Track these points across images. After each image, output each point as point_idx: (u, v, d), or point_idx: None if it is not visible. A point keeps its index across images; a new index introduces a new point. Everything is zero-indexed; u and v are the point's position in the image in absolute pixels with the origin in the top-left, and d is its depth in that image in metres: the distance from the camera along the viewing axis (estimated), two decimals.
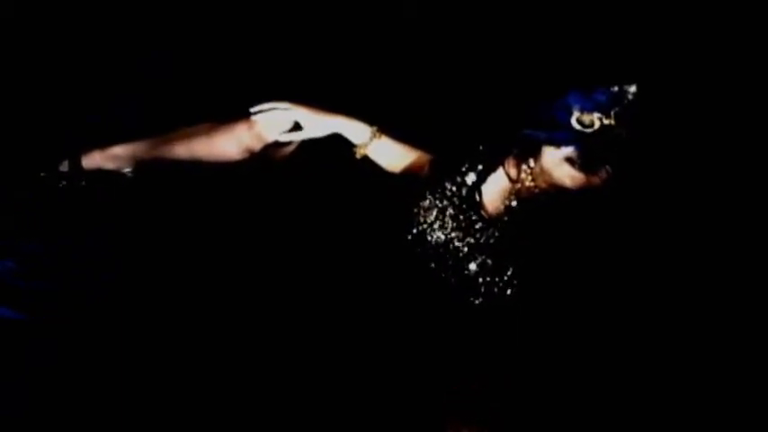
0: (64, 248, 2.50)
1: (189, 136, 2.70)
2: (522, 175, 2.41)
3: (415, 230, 2.48)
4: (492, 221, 2.42)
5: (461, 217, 2.44)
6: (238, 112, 2.68)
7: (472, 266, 2.40)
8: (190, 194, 2.70)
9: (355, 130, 2.66)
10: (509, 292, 2.37)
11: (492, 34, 3.12)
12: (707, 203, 2.62)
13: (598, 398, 2.36)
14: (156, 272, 2.54)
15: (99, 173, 2.64)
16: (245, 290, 2.56)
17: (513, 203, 2.42)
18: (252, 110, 2.66)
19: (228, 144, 2.68)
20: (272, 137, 2.69)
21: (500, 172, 2.46)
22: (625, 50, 2.79)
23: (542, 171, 2.36)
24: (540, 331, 2.37)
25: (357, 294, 2.53)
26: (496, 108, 2.86)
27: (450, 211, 2.46)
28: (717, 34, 2.84)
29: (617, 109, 2.25)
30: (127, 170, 2.69)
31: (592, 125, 2.25)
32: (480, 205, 2.45)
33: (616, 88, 2.28)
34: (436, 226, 2.46)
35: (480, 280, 2.39)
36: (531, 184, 2.40)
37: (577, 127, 2.25)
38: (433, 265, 2.44)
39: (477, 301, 2.40)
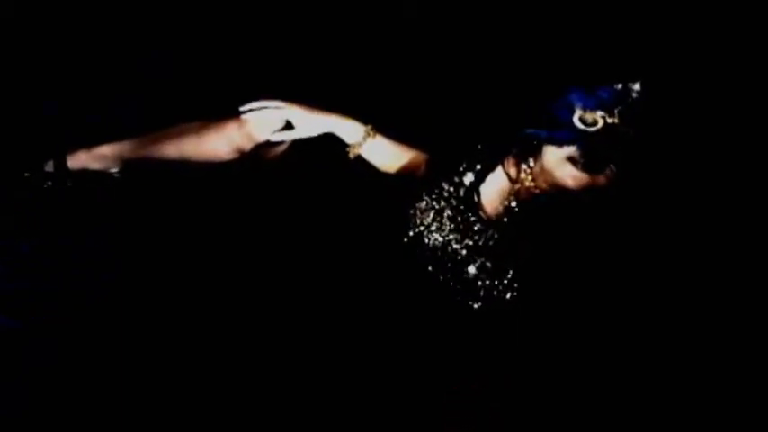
0: (52, 249, 2.49)
1: (178, 135, 2.66)
2: (522, 175, 2.38)
3: (411, 233, 2.45)
4: (491, 223, 2.39)
5: (459, 218, 2.41)
6: (228, 111, 2.65)
7: (471, 269, 2.37)
8: (179, 195, 2.67)
9: (348, 130, 2.62)
10: (509, 295, 2.34)
11: (492, 32, 3.09)
12: (713, 204, 2.59)
13: (598, 398, 2.34)
14: (145, 272, 2.53)
15: (85, 173, 2.61)
16: (237, 293, 2.54)
17: (513, 204, 2.39)
18: (242, 108, 2.64)
19: (218, 143, 2.65)
20: (262, 136, 2.66)
21: (499, 172, 2.43)
22: (629, 47, 2.76)
23: (543, 171, 2.33)
24: (540, 334, 2.34)
25: (353, 298, 2.50)
26: (495, 106, 2.83)
27: (447, 212, 2.43)
28: (723, 30, 2.81)
29: (621, 107, 2.22)
30: (114, 170, 2.65)
31: (595, 124, 2.21)
32: (479, 206, 2.42)
33: (620, 86, 2.24)
34: (433, 228, 2.42)
35: (479, 283, 2.36)
36: (532, 184, 2.37)
37: (580, 126, 2.22)
38: (430, 268, 2.41)
39: (476, 305, 2.37)
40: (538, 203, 2.36)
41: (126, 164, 2.64)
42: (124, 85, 3.01)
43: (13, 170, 2.57)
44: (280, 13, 3.17)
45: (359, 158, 2.64)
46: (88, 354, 2.38)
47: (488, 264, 2.35)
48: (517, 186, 2.38)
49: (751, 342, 2.47)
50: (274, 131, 2.65)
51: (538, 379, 2.34)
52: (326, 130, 2.63)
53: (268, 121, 2.64)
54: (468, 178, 2.45)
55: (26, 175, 2.56)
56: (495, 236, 2.37)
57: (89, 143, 2.63)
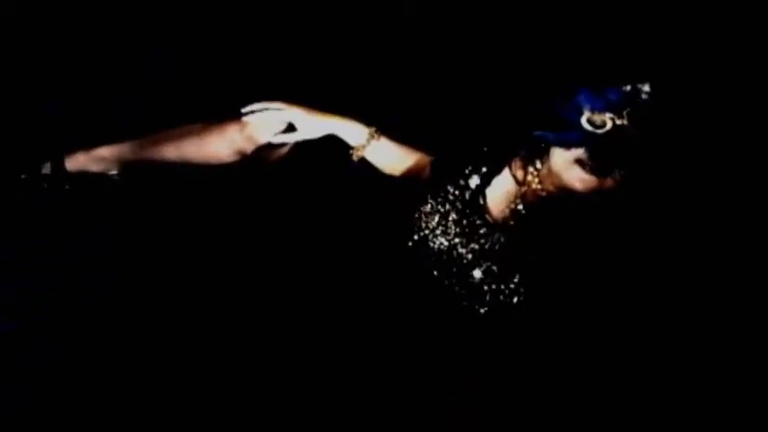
0: (50, 250, 2.50)
1: (178, 137, 2.65)
2: (529, 178, 2.36)
3: (416, 236, 2.43)
4: (497, 226, 2.37)
5: (465, 222, 2.39)
6: (229, 113, 2.64)
7: (477, 273, 2.35)
8: (179, 198, 2.66)
9: (352, 132, 2.61)
10: (515, 300, 2.32)
11: (495, 31, 3.07)
12: (726, 208, 2.57)
13: (598, 399, 2.33)
14: (145, 274, 2.54)
15: (84, 175, 2.60)
16: (238, 295, 2.55)
17: (520, 207, 2.36)
18: (243, 110, 2.62)
19: (219, 146, 2.63)
20: (264, 138, 2.64)
21: (505, 174, 2.41)
22: (638, 47, 2.74)
23: (550, 173, 2.30)
24: (545, 338, 2.33)
25: (356, 302, 2.49)
26: (501, 107, 2.82)
27: (452, 215, 2.41)
28: (735, 30, 2.78)
29: (630, 108, 2.19)
30: (113, 172, 2.63)
31: (603, 125, 2.18)
32: (485, 209, 2.40)
33: (629, 87, 2.22)
34: (438, 231, 2.40)
35: (485, 288, 2.34)
36: (538, 186, 2.35)
37: (588, 127, 2.19)
38: (435, 272, 2.39)
39: (482, 310, 2.34)
40: (545, 206, 2.34)
41: (125, 166, 2.63)
42: (124, 85, 3.00)
43: (10, 172, 2.56)
44: (280, 13, 3.16)
45: (362, 161, 2.62)
46: (88, 354, 2.39)
47: (494, 268, 2.33)
48: (524, 189, 2.36)
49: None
50: (276, 133, 2.64)
51: (538, 379, 2.33)
52: (329, 132, 2.60)
53: (270, 123, 2.62)
54: (474, 181, 2.43)
55: (23, 176, 2.56)
56: (502, 239, 2.35)
57: (87, 144, 2.62)
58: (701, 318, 2.48)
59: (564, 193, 2.30)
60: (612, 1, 2.88)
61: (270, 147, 2.66)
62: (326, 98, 2.65)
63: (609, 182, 2.22)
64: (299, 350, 2.44)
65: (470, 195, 2.41)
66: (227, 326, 2.48)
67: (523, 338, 2.33)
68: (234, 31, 3.13)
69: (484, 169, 2.43)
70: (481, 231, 2.37)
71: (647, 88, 2.21)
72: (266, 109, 2.60)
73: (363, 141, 2.59)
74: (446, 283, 2.37)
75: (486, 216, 2.38)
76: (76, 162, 2.60)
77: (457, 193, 2.42)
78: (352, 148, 2.61)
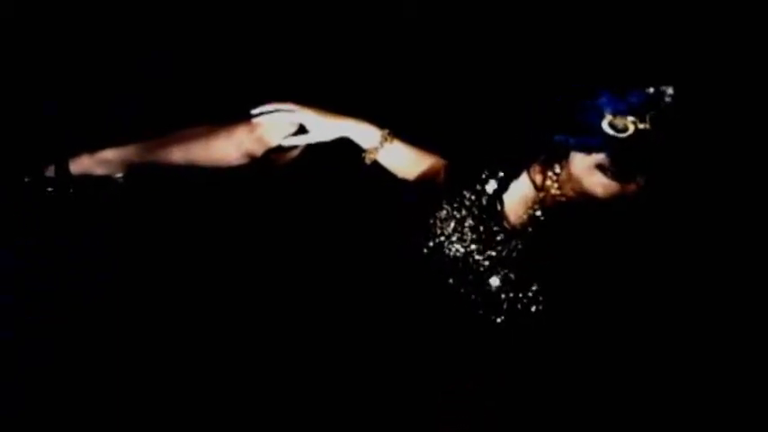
0: (52, 251, 2.51)
1: (185, 139, 2.62)
2: (548, 183, 2.33)
3: (431, 243, 2.39)
4: (515, 233, 2.34)
5: (481, 228, 2.36)
6: (239, 114, 2.61)
7: (494, 281, 2.31)
8: (186, 201, 2.66)
9: (365, 134, 2.57)
10: (533, 309, 2.29)
11: (513, 28, 3.05)
12: (755, 216, 2.52)
13: (596, 399, 2.32)
14: (151, 277, 2.56)
15: (88, 178, 2.58)
16: (245, 301, 2.55)
17: (538, 213, 2.33)
18: (253, 111, 2.59)
19: (228, 148, 2.60)
20: (274, 141, 2.61)
21: (523, 179, 2.38)
22: (661, 48, 2.69)
23: (570, 178, 2.28)
24: (563, 347, 2.31)
25: (367, 310, 2.48)
26: (519, 110, 2.73)
27: (469, 221, 2.37)
28: (762, 31, 2.74)
29: (652, 112, 2.16)
30: (118, 175, 2.61)
31: (625, 129, 2.15)
32: (502, 215, 2.36)
33: (652, 89, 2.18)
34: (454, 238, 2.37)
35: (502, 296, 2.31)
36: (557, 192, 2.32)
37: (609, 131, 2.16)
38: (451, 280, 2.36)
39: (498, 319, 2.31)
40: (564, 212, 2.31)
41: (131, 168, 2.60)
42: (127, 85, 2.99)
43: (13, 175, 2.55)
44: (283, 11, 3.15)
45: (375, 164, 2.59)
46: (87, 354, 2.40)
47: (512, 276, 2.30)
48: (542, 194, 2.34)
49: None
50: (287, 136, 2.61)
51: (533, 379, 2.31)
52: (341, 135, 2.57)
53: (280, 125, 2.60)
54: (491, 186, 2.40)
55: (26, 179, 2.54)
56: (519, 246, 2.32)
57: (91, 146, 2.60)
58: (727, 327, 2.45)
59: (584, 199, 2.27)
60: (635, 1, 2.85)
61: (280, 149, 2.63)
62: (338, 99, 2.63)
63: (630, 188, 2.20)
64: (300, 351, 2.45)
65: (487, 201, 2.38)
66: (231, 329, 2.49)
67: (540, 347, 2.30)
68: (237, 32, 3.12)
69: (501, 174, 2.40)
70: (498, 238, 2.34)
71: (670, 91, 2.18)
72: (277, 110, 2.57)
73: (376, 144, 2.55)
74: (462, 291, 2.34)
75: (504, 222, 2.35)
76: (81, 165, 2.57)
77: (473, 198, 2.39)
78: (364, 150, 2.57)
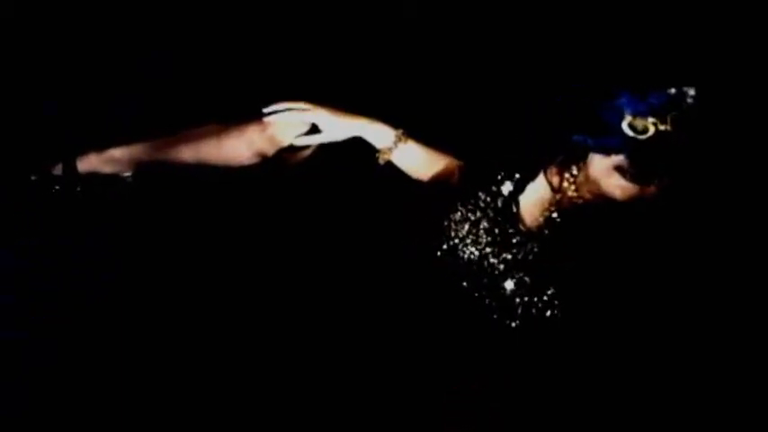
0: (56, 250, 2.50)
1: (195, 138, 2.60)
2: (565, 185, 2.30)
3: (445, 246, 2.37)
4: (530, 235, 2.31)
5: (497, 231, 2.34)
6: (249, 113, 2.60)
7: (508, 285, 2.29)
8: (195, 201, 2.64)
9: (378, 134, 2.55)
10: (549, 313, 2.26)
11: (532, 24, 3.03)
12: None
13: (598, 400, 2.29)
14: (159, 278, 2.55)
15: (95, 177, 2.56)
16: (256, 303, 2.55)
17: (554, 216, 2.31)
18: (265, 110, 2.57)
19: (239, 147, 2.59)
20: (286, 140, 2.60)
21: (540, 181, 2.36)
22: (683, 47, 2.65)
23: (588, 180, 2.25)
24: (576, 351, 2.29)
25: (379, 312, 2.46)
26: (536, 110, 2.66)
27: (484, 224, 2.35)
28: None
29: (674, 113, 2.12)
30: (126, 174, 2.59)
31: (645, 131, 2.12)
32: (518, 218, 2.35)
33: (673, 90, 2.14)
34: (469, 241, 2.35)
35: (517, 300, 2.28)
36: (575, 194, 2.29)
37: (629, 132, 2.13)
38: (465, 283, 2.34)
39: (513, 324, 2.29)
40: (581, 215, 2.28)
41: (139, 167, 2.59)
42: (134, 82, 2.98)
43: (19, 173, 2.54)
44: (290, 9, 3.14)
45: (389, 165, 2.57)
46: (91, 354, 2.40)
47: (527, 279, 2.28)
48: (559, 196, 2.31)
49: None
50: (299, 135, 2.59)
51: (538, 379, 2.29)
52: (355, 135, 2.56)
53: (292, 125, 2.58)
54: (507, 187, 2.38)
55: (33, 178, 2.53)
56: (535, 249, 2.29)
57: (100, 145, 2.58)
58: (755, 337, 2.42)
59: (602, 202, 2.24)
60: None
61: (292, 149, 2.62)
62: (350, 99, 2.61)
63: (650, 190, 2.17)
64: (312, 352, 2.45)
65: (503, 203, 2.36)
66: (241, 330, 2.49)
67: (554, 352, 2.28)
68: (250, 30, 3.11)
69: (517, 175, 2.39)
70: (514, 241, 2.31)
71: (692, 92, 2.14)
72: (289, 109, 2.56)
73: (390, 144, 2.54)
74: (476, 294, 2.32)
75: (519, 225, 2.34)
76: (88, 163, 2.56)
77: (488, 200, 2.37)
78: (378, 151, 2.56)
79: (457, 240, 2.36)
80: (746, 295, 2.41)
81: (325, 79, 3.02)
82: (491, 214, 2.35)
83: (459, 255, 2.35)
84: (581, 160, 2.25)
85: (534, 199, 2.34)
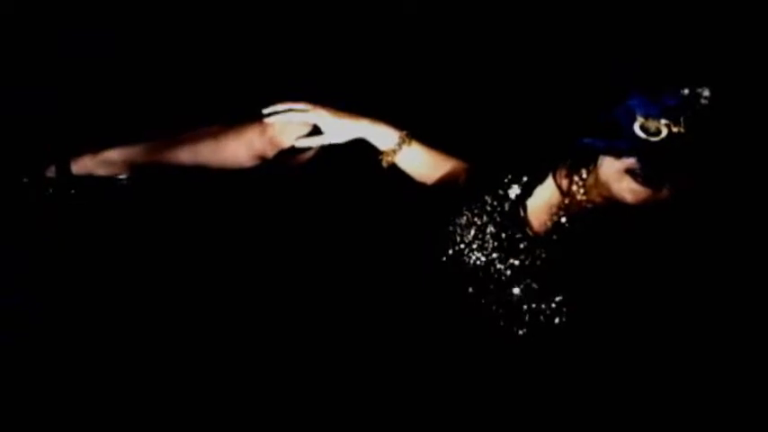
0: (54, 253, 2.52)
1: (193, 140, 2.61)
2: (574, 188, 2.27)
3: (450, 251, 2.35)
4: (538, 241, 2.28)
5: (503, 235, 2.31)
6: (248, 113, 2.59)
7: (516, 291, 2.26)
8: (193, 205, 2.63)
9: (382, 135, 2.54)
10: (557, 321, 2.22)
11: (535, 21, 3.00)
12: None
13: (600, 400, 2.25)
14: (155, 281, 2.55)
15: (90, 179, 2.56)
16: (256, 308, 2.53)
17: (563, 220, 2.28)
18: (265, 111, 2.55)
19: (238, 149, 2.59)
20: (287, 142, 2.60)
21: (548, 184, 2.33)
22: (697, 46, 2.63)
23: (598, 184, 2.21)
24: (585, 359, 2.25)
25: (383, 319, 2.44)
26: (545, 111, 2.76)
27: (490, 228, 2.33)
28: None
29: (687, 115, 2.09)
30: (122, 177, 2.60)
31: (658, 133, 2.09)
32: (525, 222, 2.32)
33: (686, 91, 2.11)
34: (475, 246, 2.33)
35: (525, 307, 2.25)
36: (584, 198, 2.26)
37: (641, 135, 2.10)
38: (471, 290, 2.31)
39: (520, 331, 2.25)
40: (591, 220, 2.25)
41: (135, 169, 2.59)
42: (128, 82, 2.99)
43: (12, 175, 2.53)
44: (298, 10, 3.14)
45: (393, 167, 2.55)
46: (83, 358, 2.40)
47: (535, 286, 2.24)
48: (567, 200, 2.28)
49: None
50: (300, 137, 2.58)
51: (545, 388, 2.26)
52: (357, 136, 2.54)
53: (293, 126, 2.58)
54: (514, 191, 2.36)
55: (25, 180, 2.52)
56: (543, 255, 2.26)
57: (95, 146, 2.58)
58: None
59: (612, 206, 2.20)
60: None
61: (293, 151, 2.62)
62: (353, 99, 2.60)
63: (662, 194, 2.13)
64: (315, 358, 2.43)
65: (510, 207, 2.33)
66: (240, 335, 2.47)
67: (562, 360, 2.25)
68: (250, 30, 3.11)
69: (525, 178, 2.36)
70: (521, 246, 2.28)
71: (706, 93, 2.11)
72: (290, 110, 2.54)
73: (394, 146, 2.52)
74: (482, 301, 2.29)
75: (527, 229, 2.30)
76: (83, 165, 2.56)
77: (495, 204, 2.35)
78: (381, 153, 2.54)
79: (462, 245, 2.33)
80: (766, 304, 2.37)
81: (326, 79, 3.02)
82: (498, 218, 2.32)
83: (464, 260, 2.32)
84: (591, 163, 2.23)
85: (542, 203, 2.31)
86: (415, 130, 2.53)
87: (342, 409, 2.33)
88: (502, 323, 2.26)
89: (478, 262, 2.30)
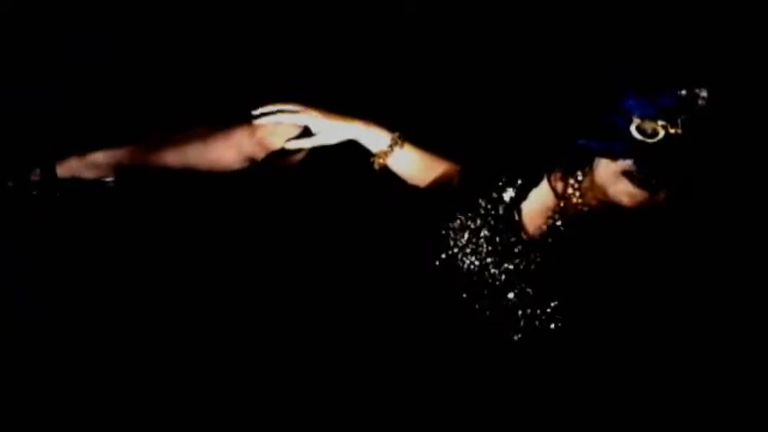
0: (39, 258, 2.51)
1: (181, 141, 2.57)
2: (569, 191, 2.26)
3: (443, 255, 2.34)
4: (533, 244, 2.27)
5: (497, 239, 2.29)
6: (237, 115, 2.56)
7: (510, 296, 2.25)
8: (180, 208, 2.60)
9: (374, 137, 2.51)
10: (552, 326, 2.22)
11: (530, 23, 2.99)
12: None
13: (600, 400, 2.24)
14: (143, 286, 2.53)
15: (76, 182, 2.53)
16: (242, 315, 2.51)
17: (558, 224, 2.27)
18: (254, 112, 2.53)
19: (227, 151, 2.55)
20: (277, 144, 2.56)
21: (543, 187, 2.32)
22: (695, 45, 2.57)
23: (594, 186, 2.20)
24: (582, 366, 2.24)
25: (374, 325, 2.42)
26: (539, 112, 2.74)
27: (484, 232, 2.31)
28: None
29: (685, 115, 2.07)
30: (108, 179, 2.56)
31: (655, 134, 2.07)
32: (520, 226, 2.30)
33: (684, 91, 2.08)
34: (468, 250, 2.31)
35: (520, 312, 2.24)
36: (579, 201, 2.25)
37: (638, 136, 2.08)
38: (464, 295, 2.30)
39: (515, 337, 2.25)
40: (587, 223, 2.24)
41: (122, 172, 2.56)
42: (114, 83, 2.98)
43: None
44: (289, 8, 3.12)
45: (385, 170, 2.53)
46: (88, 356, 2.41)
47: (530, 290, 2.23)
48: (563, 203, 2.27)
49: None
50: (290, 139, 2.55)
51: (534, 386, 2.26)
52: (348, 138, 2.51)
53: (283, 127, 2.54)
54: (508, 194, 2.34)
55: (9, 184, 2.50)
56: (538, 259, 2.25)
57: (81, 149, 2.55)
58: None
59: (608, 209, 2.19)
60: None
61: (282, 153, 2.57)
62: (344, 100, 2.59)
63: (659, 197, 2.12)
64: (304, 366, 2.41)
65: (504, 210, 2.32)
66: (224, 344, 2.46)
67: (559, 367, 2.24)
68: (240, 28, 3.09)
69: (519, 181, 2.34)
70: (516, 250, 2.27)
71: (705, 93, 2.08)
72: (279, 111, 2.52)
73: (386, 148, 2.49)
74: (476, 306, 2.28)
75: (522, 233, 2.29)
76: (68, 168, 2.53)
77: (489, 207, 2.33)
78: (373, 155, 2.51)
79: (456, 250, 2.31)
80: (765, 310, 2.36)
81: (317, 79, 2.99)
82: (492, 222, 2.31)
83: (458, 265, 2.31)
84: (586, 165, 2.21)
85: (537, 206, 2.30)
86: (409, 132, 2.51)
87: (333, 413, 2.31)
88: (496, 329, 2.25)
89: (472, 266, 2.29)
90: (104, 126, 2.79)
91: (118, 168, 2.54)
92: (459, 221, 2.33)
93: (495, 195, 2.33)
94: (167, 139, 2.57)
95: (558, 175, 2.28)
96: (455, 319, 2.30)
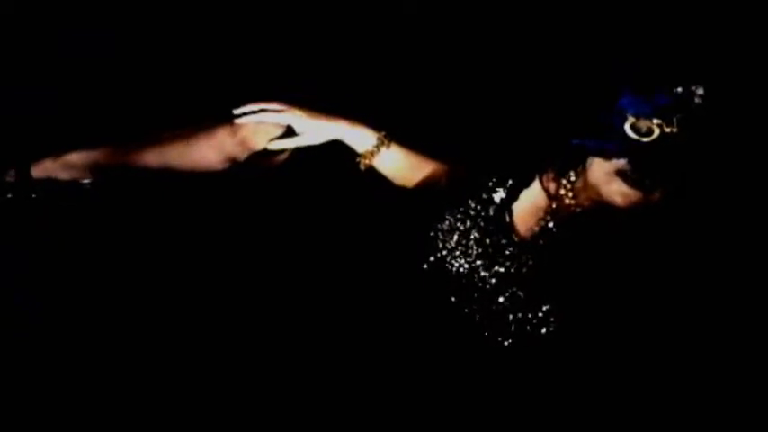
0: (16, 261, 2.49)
1: (160, 142, 2.53)
2: (562, 192, 2.25)
3: (432, 258, 2.32)
4: (524, 247, 2.25)
5: (488, 241, 2.28)
6: (219, 114, 2.53)
7: (501, 300, 2.24)
8: (160, 210, 2.57)
9: (359, 137, 2.49)
10: (544, 331, 2.21)
11: (527, 20, 2.98)
12: None
13: (600, 400, 2.23)
14: (122, 290, 2.52)
15: (52, 184, 2.49)
16: (223, 321, 2.50)
17: (550, 225, 2.26)
18: (236, 111, 2.50)
19: (208, 152, 2.52)
20: (259, 144, 2.53)
21: (535, 187, 2.31)
22: (691, 42, 2.59)
23: (587, 187, 2.19)
24: (574, 372, 2.23)
25: (362, 329, 2.41)
26: (530, 111, 2.74)
27: (474, 234, 2.30)
28: None
29: (680, 114, 2.06)
30: (85, 181, 2.52)
31: (650, 133, 2.06)
32: (511, 227, 2.29)
33: (680, 89, 2.07)
34: (458, 252, 2.29)
35: (510, 316, 2.23)
36: (572, 201, 2.24)
37: (632, 135, 2.07)
38: (453, 298, 2.28)
39: (506, 342, 2.23)
40: (579, 224, 2.23)
41: (99, 173, 2.51)
42: (91, 82, 2.95)
43: None
44: (276, 7, 3.10)
45: (371, 170, 2.52)
46: (88, 356, 2.41)
47: (521, 294, 2.22)
48: (555, 204, 2.26)
49: None
50: (273, 139, 2.52)
51: (525, 392, 2.24)
52: (334, 138, 2.49)
53: (266, 127, 2.52)
54: (499, 195, 2.32)
55: None
56: (530, 262, 2.23)
57: (56, 149, 2.51)
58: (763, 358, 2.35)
59: (602, 210, 2.18)
60: None
61: (265, 153, 2.55)
62: (330, 99, 2.56)
63: (654, 197, 2.11)
64: (293, 371, 2.40)
65: (494, 211, 2.30)
66: (205, 353, 2.46)
67: (550, 372, 2.23)
68: (223, 24, 3.07)
69: (510, 181, 2.33)
70: (506, 252, 2.25)
71: (701, 91, 2.07)
72: (262, 110, 2.49)
73: (372, 148, 2.47)
74: (466, 310, 2.26)
75: (513, 235, 2.27)
76: (44, 169, 2.48)
77: (479, 208, 2.31)
78: (359, 155, 2.50)
79: (445, 252, 2.30)
80: (763, 318, 2.35)
81: (301, 78, 2.98)
82: (482, 224, 2.29)
83: (447, 268, 2.29)
84: (579, 165, 2.20)
85: (529, 207, 2.28)
86: (395, 132, 2.50)
87: (321, 416, 2.30)
88: (486, 333, 2.23)
89: (462, 269, 2.27)
90: (84, 126, 2.77)
91: (95, 169, 2.50)
92: (447, 223, 2.32)
93: (485, 196, 2.31)
94: (147, 139, 2.54)
95: (551, 175, 2.27)
96: (444, 323, 2.29)
